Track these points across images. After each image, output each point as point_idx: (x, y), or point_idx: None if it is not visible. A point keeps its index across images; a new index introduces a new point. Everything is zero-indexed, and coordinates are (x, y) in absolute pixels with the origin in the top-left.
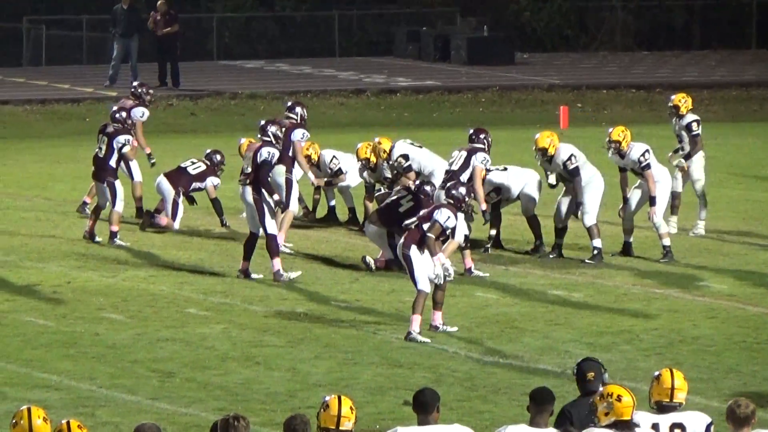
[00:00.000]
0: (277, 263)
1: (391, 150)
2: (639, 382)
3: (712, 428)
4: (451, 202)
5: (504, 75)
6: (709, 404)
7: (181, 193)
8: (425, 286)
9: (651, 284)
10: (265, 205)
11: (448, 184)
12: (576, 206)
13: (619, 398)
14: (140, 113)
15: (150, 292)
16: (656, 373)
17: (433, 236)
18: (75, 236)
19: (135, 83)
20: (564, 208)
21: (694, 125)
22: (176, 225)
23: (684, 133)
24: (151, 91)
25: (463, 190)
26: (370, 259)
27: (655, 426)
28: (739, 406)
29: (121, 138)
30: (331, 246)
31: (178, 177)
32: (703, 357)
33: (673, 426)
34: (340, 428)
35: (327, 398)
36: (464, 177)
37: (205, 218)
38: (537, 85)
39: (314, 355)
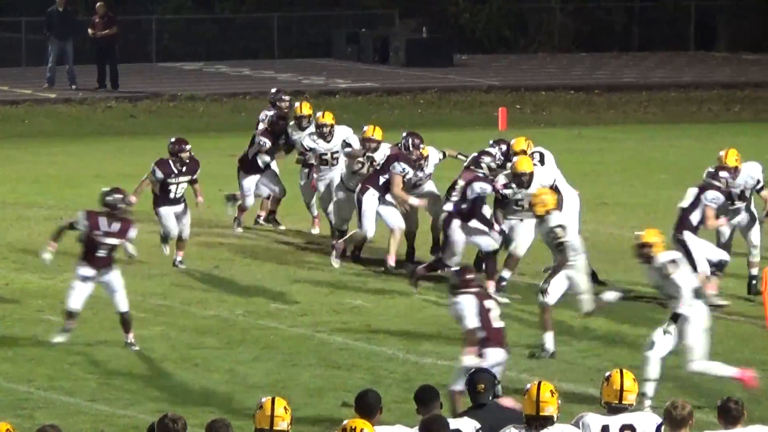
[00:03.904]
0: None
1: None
2: (577, 383)
3: (662, 429)
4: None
5: (443, 77)
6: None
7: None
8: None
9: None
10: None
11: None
12: None
13: (524, 392)
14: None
15: (89, 295)
16: (606, 374)
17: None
18: (13, 238)
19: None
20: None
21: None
22: None
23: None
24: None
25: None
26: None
27: (605, 428)
28: (675, 408)
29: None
30: (271, 247)
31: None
32: (641, 358)
33: (623, 428)
34: (274, 428)
35: (263, 399)
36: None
37: (141, 222)
38: (476, 87)
39: (253, 357)
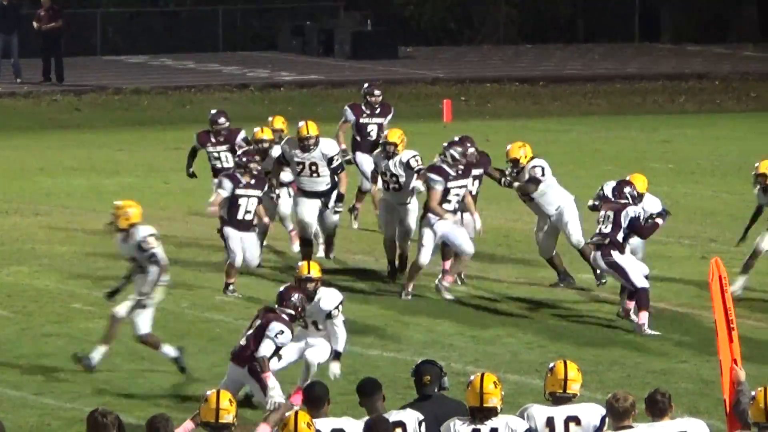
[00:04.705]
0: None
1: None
2: (523, 375)
3: (607, 420)
4: None
5: (388, 69)
6: (593, 396)
7: None
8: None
9: (535, 278)
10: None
11: None
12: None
13: (468, 384)
14: None
15: (34, 288)
16: (551, 364)
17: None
18: None
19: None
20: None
21: None
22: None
23: None
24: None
25: None
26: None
27: (550, 420)
28: (617, 400)
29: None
30: (217, 240)
31: None
32: (587, 350)
33: (569, 419)
34: (220, 421)
35: (208, 392)
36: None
37: (86, 215)
38: (421, 79)
39: (198, 350)
